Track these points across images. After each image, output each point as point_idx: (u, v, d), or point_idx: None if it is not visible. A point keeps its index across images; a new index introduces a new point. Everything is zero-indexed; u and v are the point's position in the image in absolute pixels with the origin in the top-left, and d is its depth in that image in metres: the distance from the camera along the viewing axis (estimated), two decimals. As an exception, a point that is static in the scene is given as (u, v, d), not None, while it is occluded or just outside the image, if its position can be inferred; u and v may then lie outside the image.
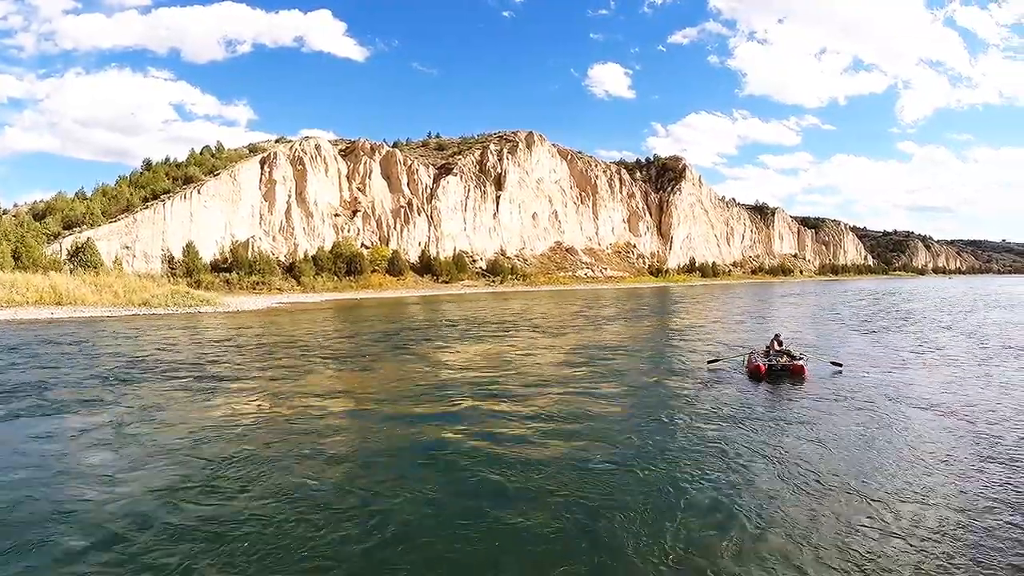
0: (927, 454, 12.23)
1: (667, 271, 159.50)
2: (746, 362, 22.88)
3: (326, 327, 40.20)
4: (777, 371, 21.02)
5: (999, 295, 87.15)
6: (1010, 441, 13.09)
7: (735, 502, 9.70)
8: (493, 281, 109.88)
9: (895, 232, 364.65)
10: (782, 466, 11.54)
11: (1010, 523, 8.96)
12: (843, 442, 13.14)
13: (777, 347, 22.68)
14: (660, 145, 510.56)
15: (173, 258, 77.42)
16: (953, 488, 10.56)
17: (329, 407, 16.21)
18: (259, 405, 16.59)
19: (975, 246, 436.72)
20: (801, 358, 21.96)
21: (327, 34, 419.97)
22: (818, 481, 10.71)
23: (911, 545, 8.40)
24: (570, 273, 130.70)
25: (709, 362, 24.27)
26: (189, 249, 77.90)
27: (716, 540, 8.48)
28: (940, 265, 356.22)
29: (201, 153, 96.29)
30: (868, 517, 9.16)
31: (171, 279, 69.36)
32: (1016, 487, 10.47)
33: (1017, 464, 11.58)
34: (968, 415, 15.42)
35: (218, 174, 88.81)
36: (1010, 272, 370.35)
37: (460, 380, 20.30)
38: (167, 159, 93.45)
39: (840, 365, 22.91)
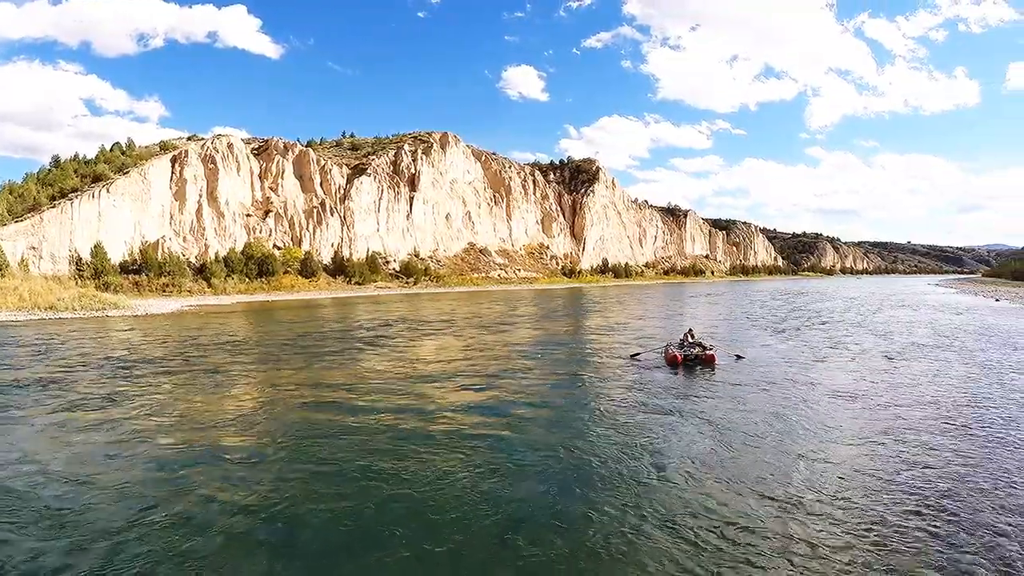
0: (823, 424, 15.96)
1: (580, 272, 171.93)
2: (664, 353, 27.00)
3: (237, 331, 41.20)
4: (692, 360, 25.12)
5: (904, 295, 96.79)
6: (906, 419, 16.44)
7: (667, 461, 12.95)
8: (407, 283, 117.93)
9: (804, 234, 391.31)
10: (702, 433, 15.19)
11: (891, 479, 11.90)
12: (751, 415, 16.87)
13: (691, 339, 26.98)
14: (573, 147, 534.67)
15: (81, 259, 79.21)
16: (846, 452, 13.75)
17: (235, 416, 17.21)
18: (168, 415, 17.41)
19: (882, 247, 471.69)
20: (711, 348, 26.25)
21: (241, 30, 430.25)
22: (731, 443, 14.31)
23: (807, 492, 11.23)
24: (484, 274, 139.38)
25: (632, 355, 28.27)
26: (98, 250, 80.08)
27: (653, 491, 11.30)
28: (848, 266, 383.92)
29: (111, 150, 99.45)
30: (772, 471, 12.32)
31: (79, 281, 71.91)
32: (903, 452, 13.61)
33: (906, 434, 14.99)
34: (869, 400, 19.04)
35: (128, 172, 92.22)
36: (915, 272, 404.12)
37: (383, 385, 21.90)
38: (76, 156, 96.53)
39: (742, 356, 27.47)
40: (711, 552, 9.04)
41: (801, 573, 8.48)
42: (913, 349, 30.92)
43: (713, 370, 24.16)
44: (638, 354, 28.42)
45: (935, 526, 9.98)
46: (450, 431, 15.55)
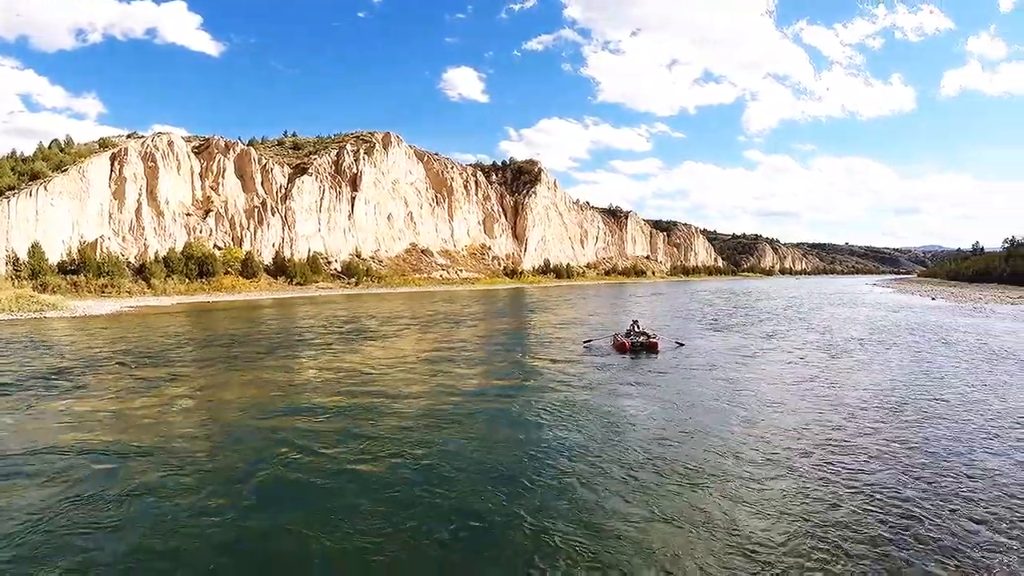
0: (755, 398, 19.30)
1: (522, 272, 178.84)
2: (613, 341, 31.31)
3: (177, 334, 41.22)
4: (638, 346, 29.36)
5: (843, 294, 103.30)
6: (840, 399, 19.10)
7: (619, 425, 16.01)
8: (348, 283, 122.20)
9: (744, 235, 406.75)
10: (650, 408, 18.14)
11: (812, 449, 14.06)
12: (693, 388, 20.81)
13: (637, 329, 31.32)
14: (514, 149, 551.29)
15: (18, 259, 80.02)
16: (780, 417, 16.68)
17: (175, 423, 17.15)
18: (110, 420, 17.34)
19: (820, 248, 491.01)
20: (655, 336, 30.72)
21: (181, 27, 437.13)
22: (674, 416, 17.26)
23: (735, 458, 13.25)
24: (425, 275, 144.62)
25: (584, 342, 32.69)
26: (35, 250, 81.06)
27: (608, 451, 13.82)
28: (787, 266, 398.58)
29: (49, 147, 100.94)
30: (711, 433, 15.28)
31: (15, 282, 73.47)
32: (836, 425, 15.97)
33: (838, 410, 17.55)
34: (804, 382, 22.01)
35: (66, 170, 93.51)
36: (853, 273, 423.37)
37: (333, 386, 22.43)
38: (13, 153, 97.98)
39: (682, 344, 32.08)
40: (657, 498, 11.29)
41: (736, 516, 10.43)
42: (851, 343, 33.88)
43: (657, 355, 28.41)
44: (590, 341, 33.05)
45: (859, 480, 12.12)
46: (437, 409, 18.40)
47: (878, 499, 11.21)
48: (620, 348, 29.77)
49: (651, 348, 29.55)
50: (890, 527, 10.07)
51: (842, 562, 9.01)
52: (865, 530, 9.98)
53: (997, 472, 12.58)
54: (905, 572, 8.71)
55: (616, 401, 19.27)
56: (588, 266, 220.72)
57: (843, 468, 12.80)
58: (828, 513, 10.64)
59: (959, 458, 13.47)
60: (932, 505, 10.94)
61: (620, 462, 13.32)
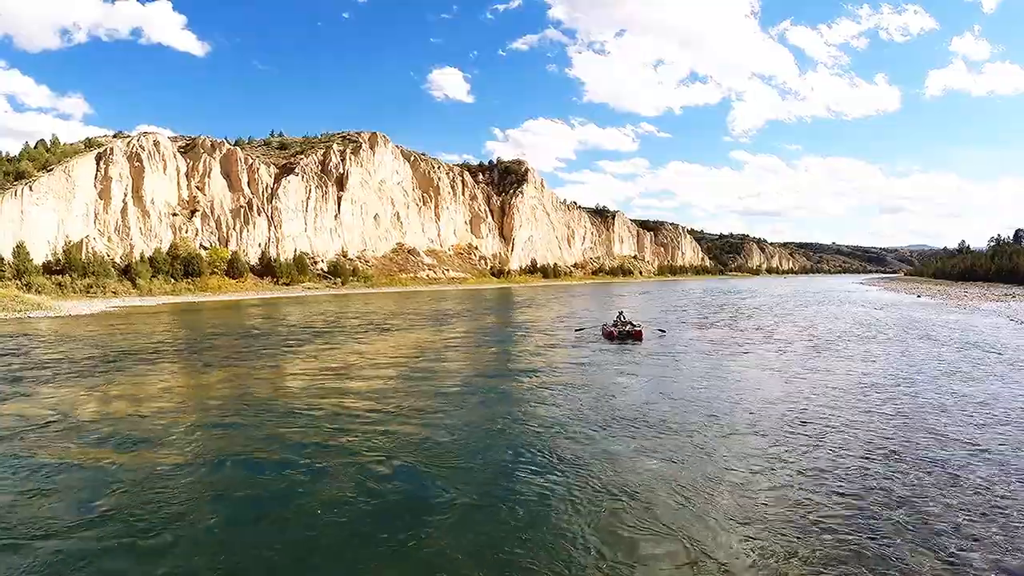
0: (734, 378, 21.94)
1: (509, 272, 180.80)
2: (602, 331, 35.33)
3: (161, 334, 41.11)
4: (624, 335, 32.96)
5: (830, 292, 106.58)
6: (818, 383, 20.70)
7: (612, 399, 18.57)
8: (335, 283, 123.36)
9: (731, 235, 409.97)
10: (636, 382, 21.26)
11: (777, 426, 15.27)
12: (673, 370, 23.71)
13: (623, 320, 35.09)
14: (500, 149, 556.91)
15: (3, 259, 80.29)
16: (748, 394, 18.89)
17: (158, 426, 16.50)
18: (90, 419, 17.19)
19: (807, 248, 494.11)
20: (639, 326, 34.35)
21: (166, 27, 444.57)
22: (657, 387, 20.11)
23: (710, 432, 14.67)
24: (412, 275, 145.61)
25: (576, 330, 37.41)
26: (20, 250, 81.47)
27: (602, 416, 16.28)
28: (774, 266, 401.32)
29: (35, 147, 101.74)
30: (689, 405, 17.46)
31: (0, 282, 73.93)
32: (808, 405, 17.46)
33: (813, 391, 19.25)
34: (778, 366, 24.52)
35: (52, 170, 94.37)
36: (840, 272, 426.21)
37: (336, 380, 23.52)
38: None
39: (664, 332, 36.14)
40: (646, 443, 13.76)
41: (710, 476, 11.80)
42: (835, 336, 35.93)
43: (641, 342, 32.00)
44: (582, 329, 37.41)
45: (824, 438, 13.88)
46: (452, 387, 21.22)
47: (842, 455, 12.92)
48: (608, 336, 33.36)
49: (636, 336, 32.92)
50: (849, 477, 11.71)
51: (797, 493, 10.88)
52: (823, 473, 11.85)
53: (954, 439, 14.07)
54: (853, 508, 10.25)
55: (607, 377, 22.63)
56: (575, 266, 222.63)
57: (812, 430, 14.65)
58: (792, 460, 12.56)
59: (920, 429, 15.00)
60: (887, 462, 12.53)
61: (612, 418, 16.17)
